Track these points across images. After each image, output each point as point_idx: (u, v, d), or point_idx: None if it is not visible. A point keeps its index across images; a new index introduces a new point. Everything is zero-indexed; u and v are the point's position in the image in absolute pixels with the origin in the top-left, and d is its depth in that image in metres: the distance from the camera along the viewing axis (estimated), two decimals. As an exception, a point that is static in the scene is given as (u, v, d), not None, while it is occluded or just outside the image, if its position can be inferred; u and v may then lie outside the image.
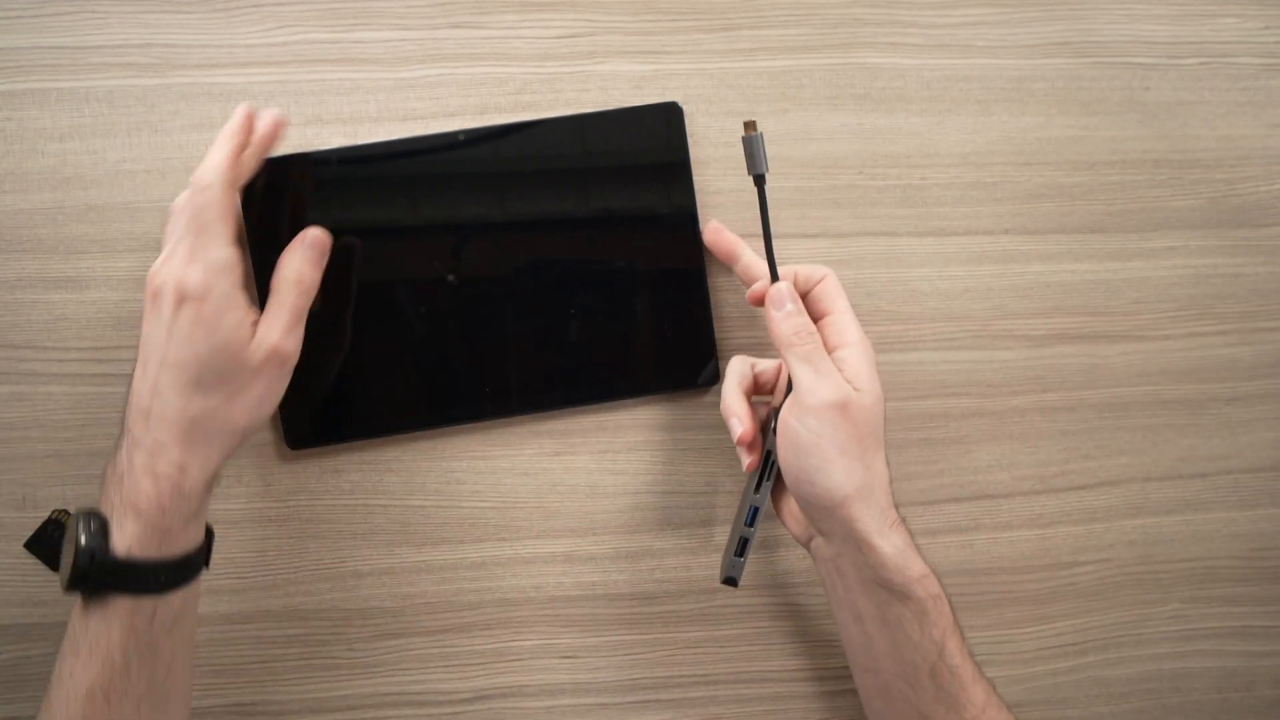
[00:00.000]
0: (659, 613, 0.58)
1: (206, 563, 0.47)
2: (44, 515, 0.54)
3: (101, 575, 0.42)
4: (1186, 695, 0.61)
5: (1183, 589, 0.61)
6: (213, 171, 0.45)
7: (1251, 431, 0.61)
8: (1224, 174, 0.59)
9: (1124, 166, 0.59)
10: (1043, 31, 0.58)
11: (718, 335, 0.56)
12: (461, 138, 0.53)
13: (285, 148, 0.53)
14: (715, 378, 0.55)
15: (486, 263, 0.54)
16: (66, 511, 0.54)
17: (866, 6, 0.57)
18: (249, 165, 0.47)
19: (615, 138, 0.54)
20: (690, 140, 0.55)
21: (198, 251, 0.44)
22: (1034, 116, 0.58)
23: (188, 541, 0.45)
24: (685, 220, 0.55)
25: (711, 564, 0.57)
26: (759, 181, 0.49)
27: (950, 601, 0.47)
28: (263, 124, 0.48)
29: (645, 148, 0.54)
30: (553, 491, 0.56)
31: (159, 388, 0.44)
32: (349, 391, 0.54)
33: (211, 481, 0.46)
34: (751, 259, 0.53)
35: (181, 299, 0.44)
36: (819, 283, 0.50)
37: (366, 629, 0.56)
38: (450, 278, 0.53)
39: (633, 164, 0.54)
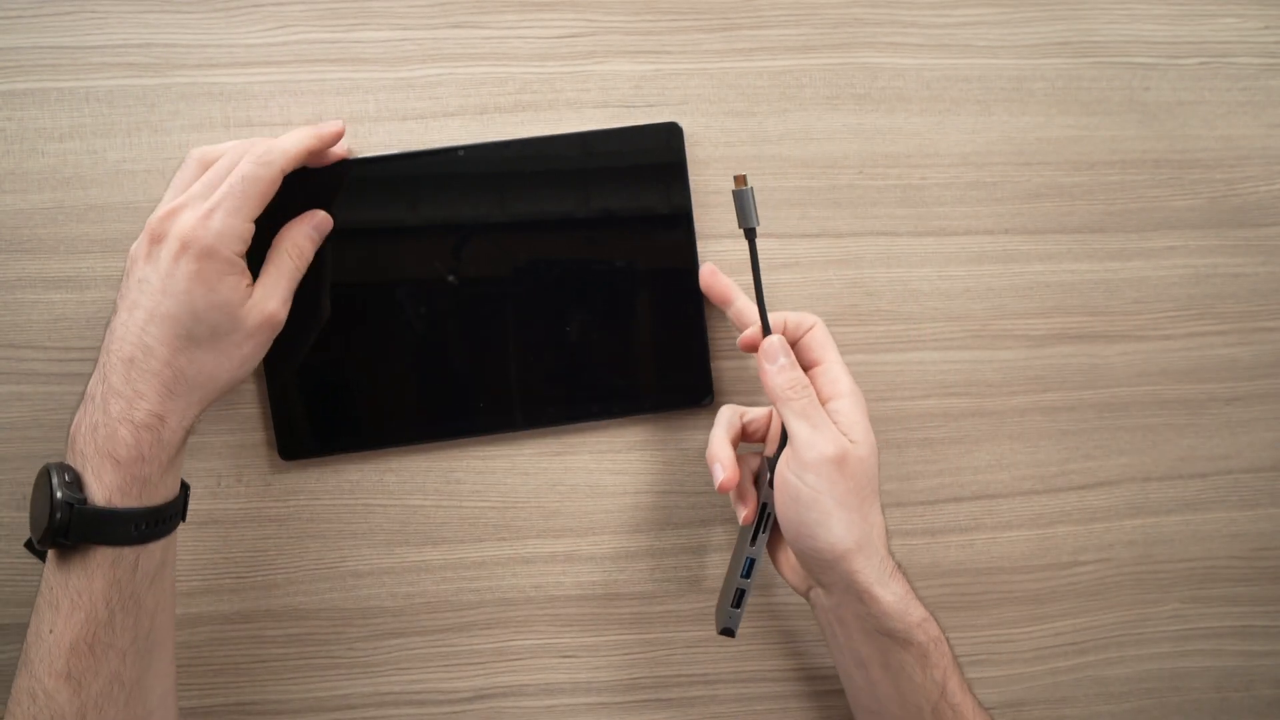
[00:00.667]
0: (659, 613, 0.58)
1: (183, 515, 0.47)
2: (44, 515, 0.54)
3: (82, 526, 0.42)
4: (1186, 695, 0.61)
5: (1182, 589, 0.61)
6: (281, 153, 0.46)
7: (1251, 431, 0.61)
8: (1224, 174, 0.59)
9: (1124, 166, 0.59)
10: (1043, 31, 0.58)
11: (713, 359, 0.56)
12: (461, 153, 0.53)
13: (285, 148, 0.53)
14: (709, 395, 0.56)
15: (486, 270, 0.54)
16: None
17: (866, 6, 0.57)
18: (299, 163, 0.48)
19: (615, 157, 0.54)
20: (689, 167, 0.55)
21: (218, 212, 0.45)
22: (1034, 116, 0.58)
23: (166, 491, 0.45)
24: (684, 253, 0.55)
25: (712, 564, 0.57)
26: (750, 235, 0.49)
27: (949, 640, 0.48)
28: (337, 149, 0.51)
29: (645, 175, 0.54)
30: (553, 491, 0.56)
31: (145, 335, 0.44)
32: (344, 401, 0.54)
33: (188, 432, 0.46)
34: (744, 304, 0.53)
35: (184, 249, 0.44)
36: (808, 331, 0.51)
37: (366, 629, 0.56)
38: (450, 277, 0.54)
39: (632, 189, 0.54)
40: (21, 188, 0.53)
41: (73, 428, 0.44)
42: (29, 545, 0.53)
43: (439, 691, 0.57)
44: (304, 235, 0.50)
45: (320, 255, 0.51)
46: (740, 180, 0.49)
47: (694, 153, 0.55)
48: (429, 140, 0.54)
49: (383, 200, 0.53)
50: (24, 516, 0.53)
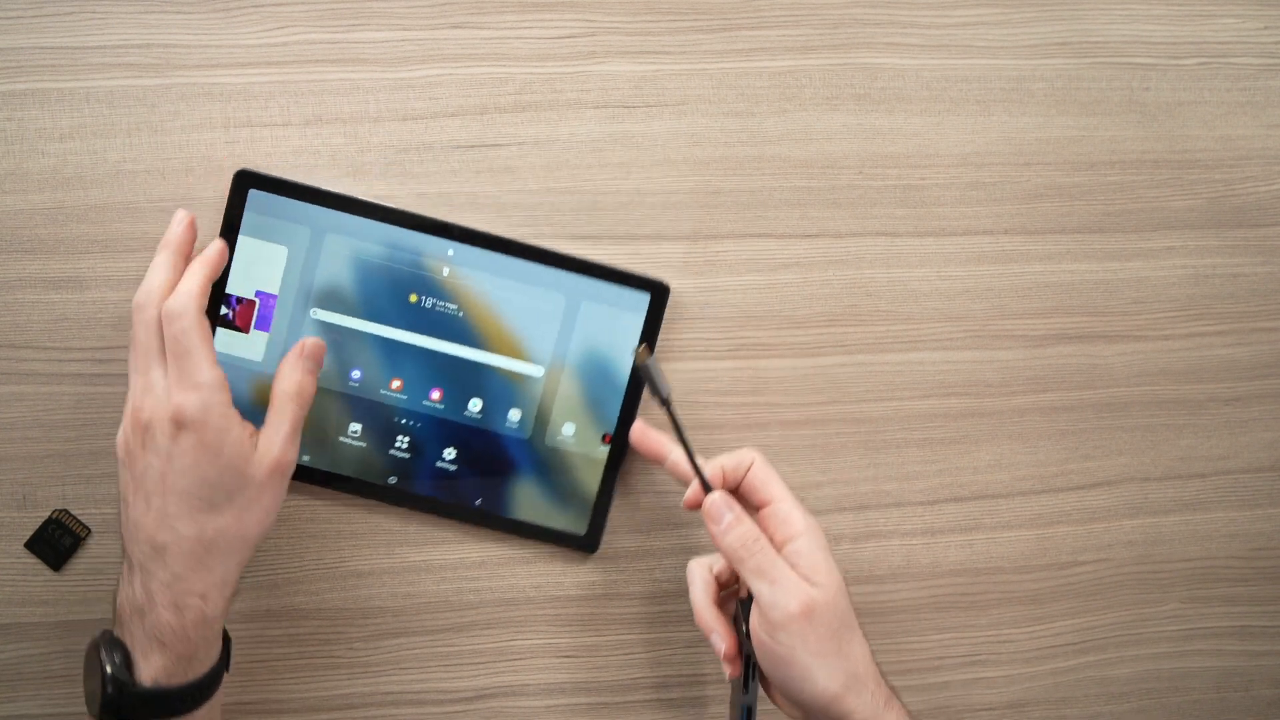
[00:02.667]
0: (659, 613, 0.58)
1: (227, 665, 0.48)
2: (44, 515, 0.54)
3: (132, 706, 0.44)
4: (1186, 695, 0.61)
5: (1182, 589, 0.61)
6: (186, 298, 0.45)
7: (1250, 431, 0.61)
8: (1223, 174, 0.59)
9: (1123, 166, 0.59)
10: (1042, 31, 0.58)
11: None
12: (455, 233, 0.53)
13: (287, 152, 0.53)
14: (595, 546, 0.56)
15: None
16: (67, 511, 0.54)
17: (866, 6, 0.57)
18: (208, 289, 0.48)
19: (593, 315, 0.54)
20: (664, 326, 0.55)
21: (186, 377, 0.44)
22: (1033, 117, 0.58)
23: (210, 658, 0.46)
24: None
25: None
26: (665, 405, 0.49)
27: None
28: (213, 250, 0.49)
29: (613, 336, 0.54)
30: (553, 491, 0.56)
31: (166, 519, 0.45)
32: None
33: (231, 599, 0.47)
34: (679, 458, 0.51)
35: (180, 427, 0.44)
36: (748, 470, 0.50)
37: (366, 629, 0.56)
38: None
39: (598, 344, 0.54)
40: (21, 188, 0.53)
41: (117, 602, 0.46)
42: (29, 545, 0.54)
43: (439, 691, 0.57)
44: (299, 370, 0.48)
45: None
46: (642, 353, 0.49)
47: (692, 152, 0.55)
48: (429, 140, 0.54)
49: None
50: (24, 517, 0.53)
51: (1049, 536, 0.60)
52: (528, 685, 0.57)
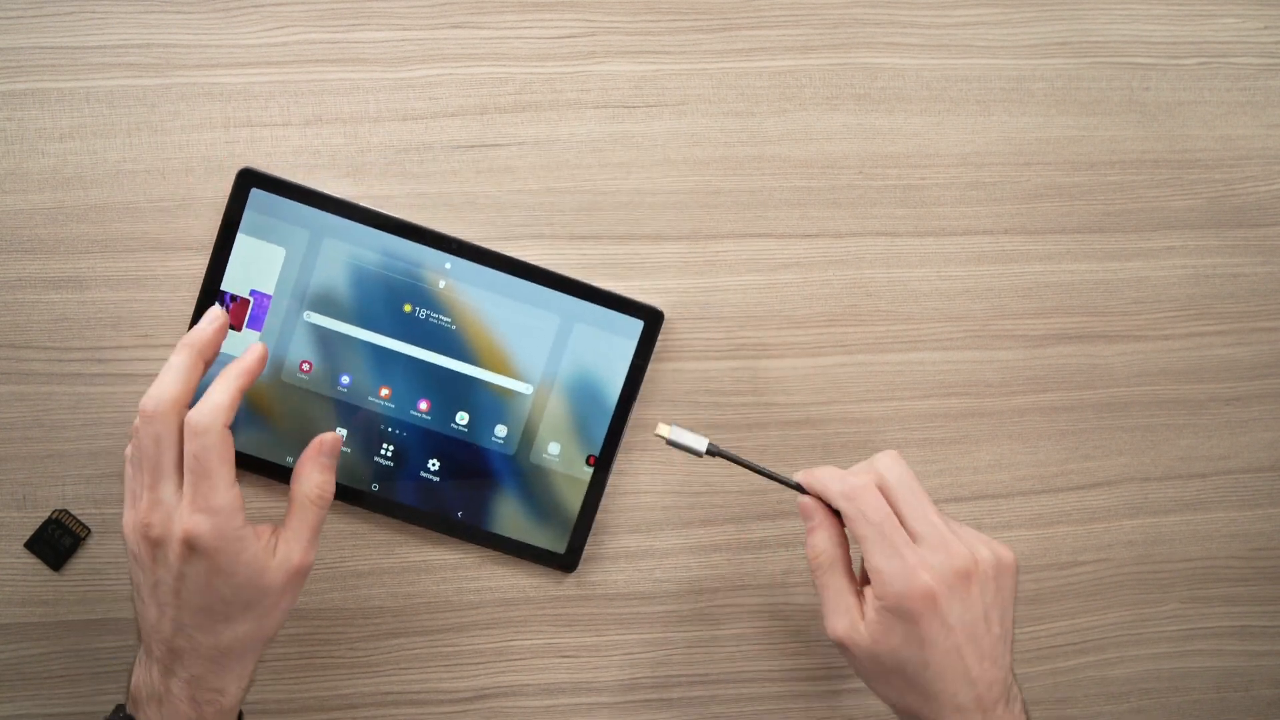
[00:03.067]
0: (659, 613, 0.58)
1: None
2: (44, 515, 0.54)
3: None
4: (1186, 695, 0.61)
5: (1182, 589, 0.61)
6: (213, 413, 0.43)
7: (1251, 431, 0.61)
8: (1223, 174, 0.59)
9: (1123, 166, 0.59)
10: (1042, 31, 0.58)
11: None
12: (454, 247, 0.53)
13: (287, 152, 0.53)
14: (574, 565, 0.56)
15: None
16: (67, 511, 0.54)
17: (866, 6, 0.57)
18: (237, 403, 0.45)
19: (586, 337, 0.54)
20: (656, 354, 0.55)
21: (201, 499, 0.43)
22: (1033, 117, 0.58)
23: None
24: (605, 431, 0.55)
25: (712, 563, 0.57)
26: (713, 451, 0.49)
27: None
28: (252, 358, 0.46)
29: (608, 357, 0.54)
30: (553, 491, 0.56)
31: (182, 628, 0.44)
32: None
33: (250, 686, 0.47)
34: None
35: (191, 550, 0.43)
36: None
37: (366, 628, 0.56)
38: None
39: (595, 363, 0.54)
40: (21, 188, 0.53)
41: (133, 681, 0.46)
42: (29, 545, 0.54)
43: (439, 691, 0.57)
44: (319, 471, 0.47)
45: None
46: (664, 430, 0.49)
47: (692, 152, 0.55)
48: (429, 140, 0.54)
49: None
50: (24, 517, 0.53)
51: (1049, 536, 0.60)
52: (528, 685, 0.57)
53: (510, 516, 0.55)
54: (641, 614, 0.57)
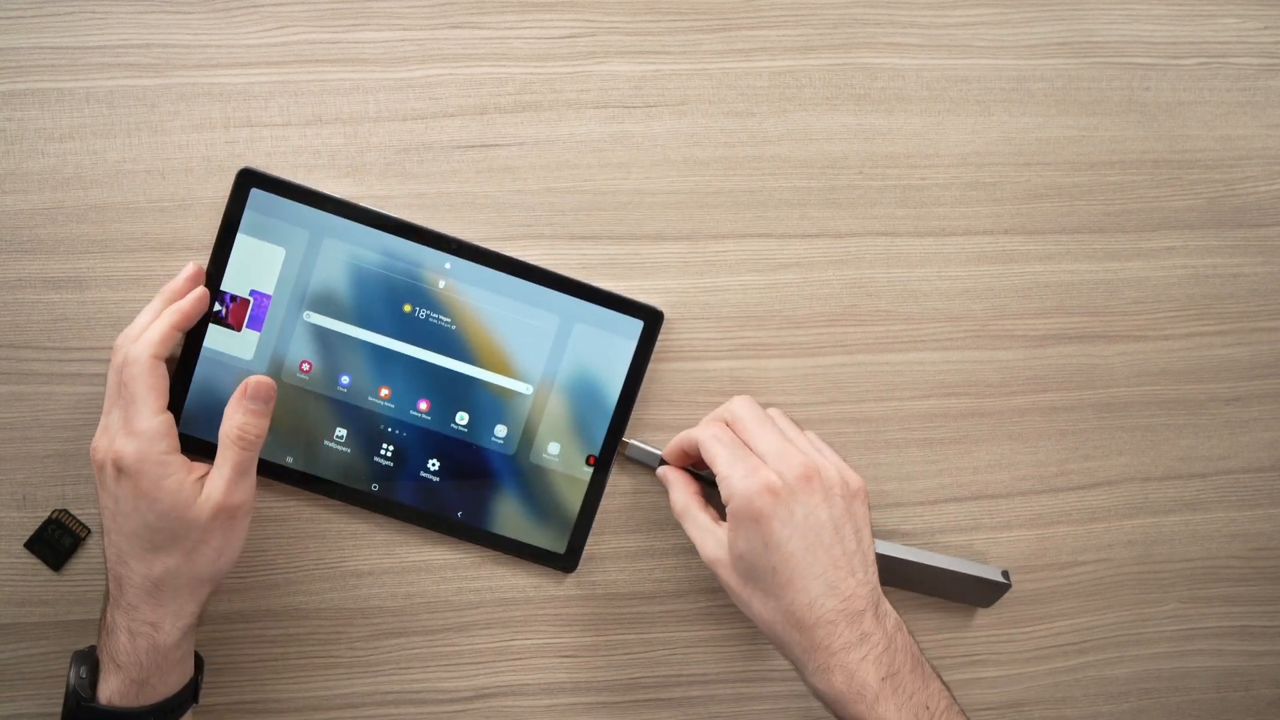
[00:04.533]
0: (659, 613, 0.58)
1: (195, 697, 0.50)
2: (44, 515, 0.54)
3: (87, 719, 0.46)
4: (1186, 695, 0.61)
5: (1182, 589, 0.61)
6: (143, 345, 0.47)
7: (1251, 431, 0.61)
8: (1223, 174, 0.59)
9: (1124, 166, 0.59)
10: (1042, 31, 0.58)
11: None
12: (454, 246, 0.53)
13: (287, 151, 0.53)
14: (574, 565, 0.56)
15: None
16: (67, 511, 0.54)
17: (866, 6, 0.57)
18: (176, 339, 0.49)
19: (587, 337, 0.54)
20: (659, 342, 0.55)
21: (128, 423, 0.46)
22: (1033, 117, 0.58)
23: (167, 688, 0.47)
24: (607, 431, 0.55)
25: (711, 564, 0.58)
26: (661, 463, 0.54)
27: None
28: (189, 299, 0.50)
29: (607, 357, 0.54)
30: (553, 491, 0.56)
31: (122, 555, 0.46)
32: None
33: (190, 629, 0.48)
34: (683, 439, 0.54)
35: (119, 472, 0.46)
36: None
37: (366, 628, 0.56)
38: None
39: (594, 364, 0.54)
40: (21, 188, 0.53)
41: (100, 618, 0.48)
42: (29, 545, 0.54)
43: (439, 691, 0.57)
44: (241, 411, 0.48)
45: None
46: (621, 445, 0.55)
47: (692, 152, 0.55)
48: (429, 140, 0.54)
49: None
50: (24, 517, 0.53)
51: (1049, 536, 0.60)
52: (528, 685, 0.57)
53: (510, 516, 0.55)
54: (641, 614, 0.57)
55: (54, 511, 0.54)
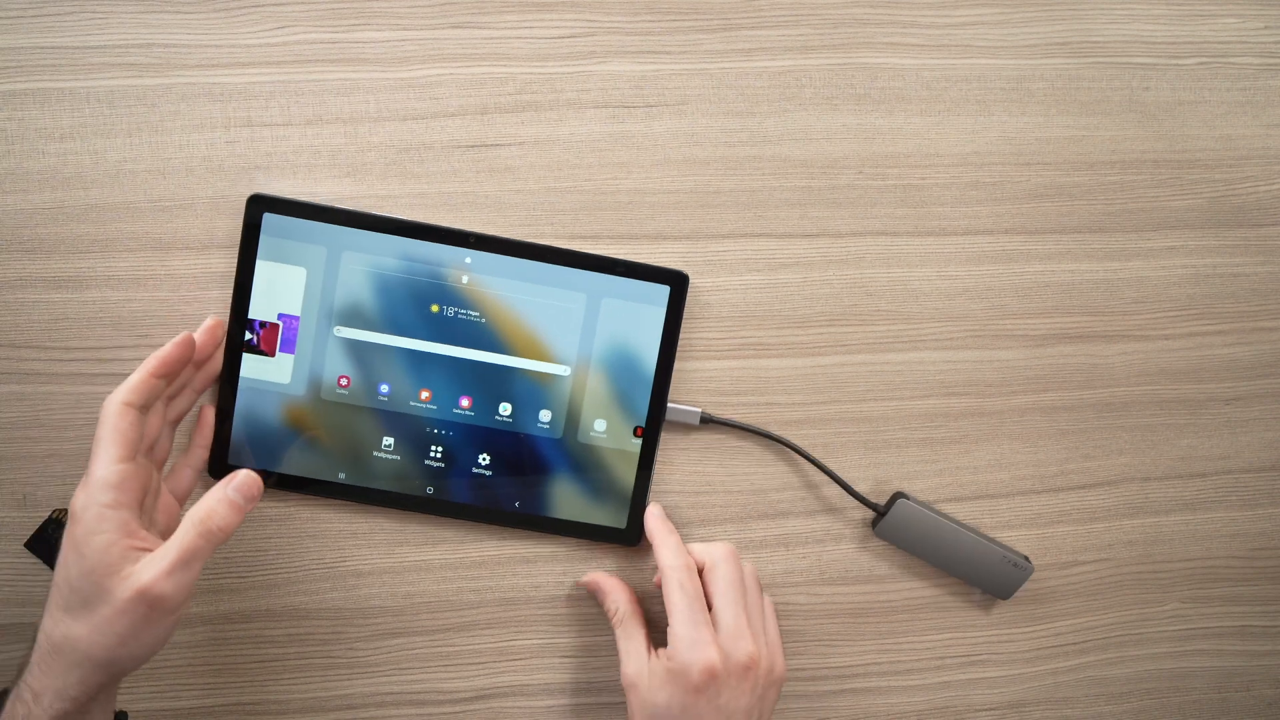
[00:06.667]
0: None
1: None
2: (44, 515, 0.54)
3: None
4: (1186, 695, 0.61)
5: (1182, 589, 0.61)
6: (116, 394, 0.45)
7: (1251, 431, 0.61)
8: (1224, 174, 0.59)
9: (1124, 166, 0.59)
10: (1042, 31, 0.58)
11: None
12: (472, 240, 0.53)
13: (287, 151, 0.53)
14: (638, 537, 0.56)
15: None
16: (67, 511, 0.54)
17: (866, 6, 0.57)
18: (154, 387, 0.47)
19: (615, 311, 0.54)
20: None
21: (88, 470, 0.44)
22: (1034, 117, 0.58)
23: None
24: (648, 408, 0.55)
25: (711, 564, 0.57)
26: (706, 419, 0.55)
27: None
28: (167, 347, 0.47)
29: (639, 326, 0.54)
30: (553, 491, 0.56)
31: (47, 603, 0.43)
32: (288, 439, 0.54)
33: (63, 716, 0.42)
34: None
35: (69, 517, 0.43)
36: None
37: (366, 629, 0.56)
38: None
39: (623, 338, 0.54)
40: (22, 188, 0.53)
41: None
42: (29, 545, 0.54)
43: (439, 691, 0.57)
44: (217, 499, 0.45)
45: None
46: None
47: (692, 152, 0.55)
48: (429, 140, 0.54)
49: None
50: (24, 517, 0.53)
51: (1049, 536, 0.60)
52: (528, 685, 0.57)
53: (567, 499, 0.55)
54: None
55: (54, 511, 0.54)
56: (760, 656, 0.49)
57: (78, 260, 0.53)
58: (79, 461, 0.53)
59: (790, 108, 0.56)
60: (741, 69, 0.56)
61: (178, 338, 0.48)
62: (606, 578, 0.54)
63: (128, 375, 0.47)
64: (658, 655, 0.50)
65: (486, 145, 0.55)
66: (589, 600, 0.57)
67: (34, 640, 0.44)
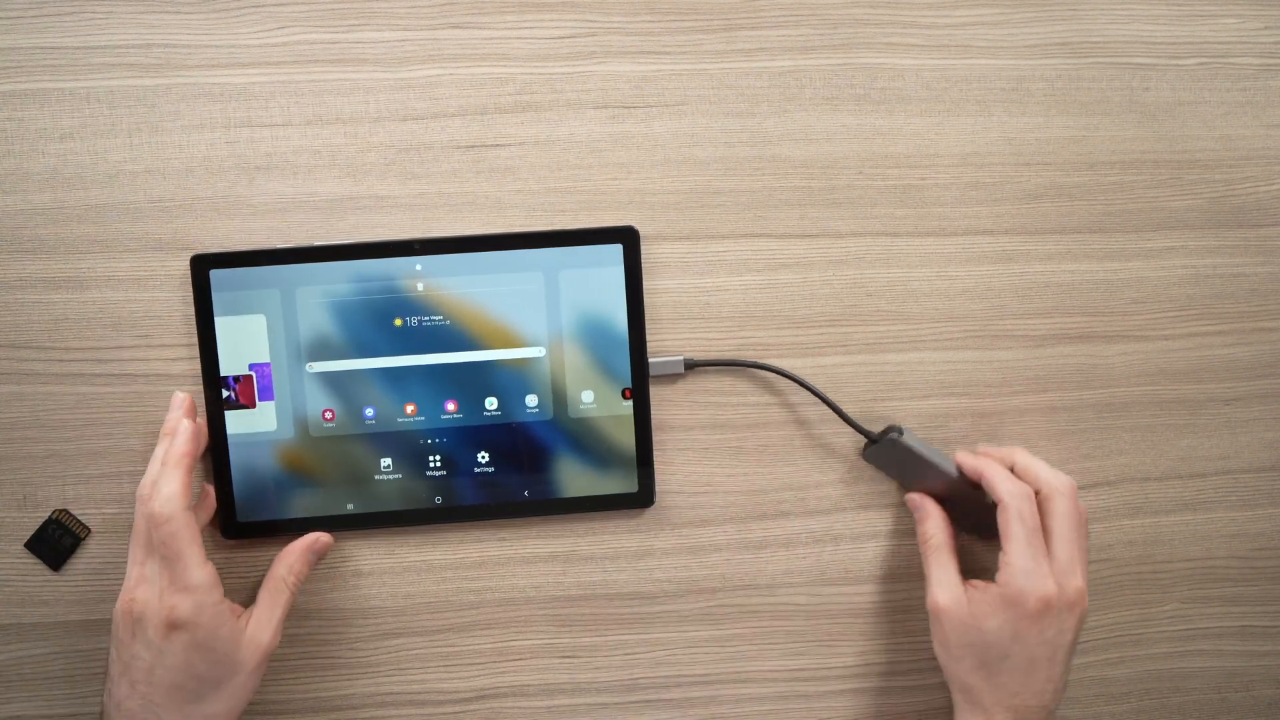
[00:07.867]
0: (659, 613, 0.58)
1: None
2: (44, 515, 0.54)
3: None
4: (1186, 695, 0.61)
5: (1182, 589, 0.61)
6: (168, 502, 0.47)
7: (1251, 431, 0.61)
8: (1224, 174, 0.59)
9: (1124, 167, 0.59)
10: (1042, 31, 0.58)
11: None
12: (416, 247, 0.53)
13: (287, 152, 0.53)
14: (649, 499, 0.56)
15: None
16: (67, 511, 0.54)
17: (866, 6, 0.57)
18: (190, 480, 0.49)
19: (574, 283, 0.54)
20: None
21: (178, 579, 0.46)
22: (1034, 117, 0.58)
23: None
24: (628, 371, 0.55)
25: (712, 563, 0.57)
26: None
27: None
28: (182, 442, 0.49)
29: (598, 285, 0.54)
30: (553, 491, 0.56)
31: (152, 707, 0.46)
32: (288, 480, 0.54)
33: None
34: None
35: (173, 628, 0.46)
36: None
37: (366, 629, 0.56)
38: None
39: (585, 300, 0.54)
40: (22, 188, 0.53)
41: None
42: (29, 545, 0.54)
43: (439, 691, 0.57)
44: (301, 561, 0.52)
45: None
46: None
47: (691, 157, 0.55)
48: (429, 140, 0.54)
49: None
50: (24, 517, 0.53)
51: (1049, 536, 0.59)
52: (528, 685, 0.57)
53: (574, 476, 0.55)
54: (641, 614, 0.57)
55: (54, 511, 0.54)
56: (1083, 592, 0.52)
57: (78, 260, 0.53)
58: (79, 461, 0.53)
59: (790, 108, 0.56)
60: (741, 69, 0.56)
61: (185, 432, 0.50)
62: (932, 504, 0.56)
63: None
64: (970, 582, 0.53)
65: (486, 145, 0.55)
66: (589, 600, 0.57)
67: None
